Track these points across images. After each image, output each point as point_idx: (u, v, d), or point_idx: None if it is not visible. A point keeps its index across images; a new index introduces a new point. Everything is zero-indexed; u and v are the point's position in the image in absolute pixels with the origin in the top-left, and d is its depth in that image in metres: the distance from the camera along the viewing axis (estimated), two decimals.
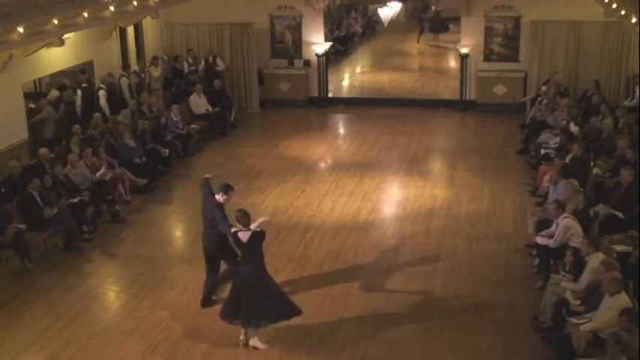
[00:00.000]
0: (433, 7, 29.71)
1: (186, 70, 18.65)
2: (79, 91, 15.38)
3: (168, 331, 9.01)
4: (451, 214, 12.45)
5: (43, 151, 12.47)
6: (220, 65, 18.80)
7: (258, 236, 8.38)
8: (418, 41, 28.97)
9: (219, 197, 9.16)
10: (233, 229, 8.56)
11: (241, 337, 8.57)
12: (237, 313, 8.45)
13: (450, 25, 27.63)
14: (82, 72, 16.11)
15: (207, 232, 9.29)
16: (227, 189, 9.18)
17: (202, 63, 18.84)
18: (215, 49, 19.07)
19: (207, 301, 9.49)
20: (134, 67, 17.75)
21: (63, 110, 14.92)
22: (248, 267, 8.43)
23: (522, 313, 9.23)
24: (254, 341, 8.55)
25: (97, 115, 14.71)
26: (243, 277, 8.48)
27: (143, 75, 17.69)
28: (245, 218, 8.40)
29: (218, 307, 9.16)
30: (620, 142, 12.12)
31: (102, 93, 15.50)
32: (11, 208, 11.04)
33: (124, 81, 16.78)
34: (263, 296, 8.40)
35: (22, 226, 10.75)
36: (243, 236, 8.35)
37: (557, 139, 13.70)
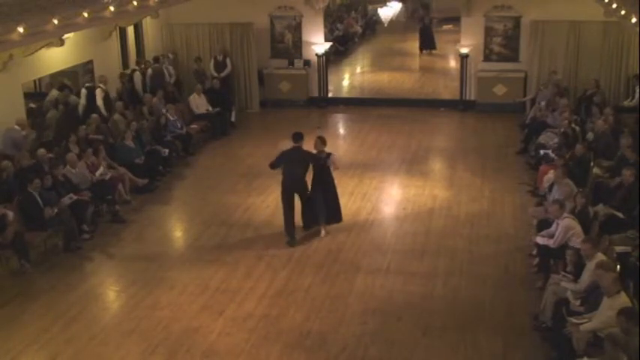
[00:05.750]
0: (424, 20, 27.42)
1: (167, 75, 18.20)
2: (83, 91, 15.36)
3: (168, 331, 9.00)
4: (451, 214, 12.45)
5: (41, 151, 12.45)
6: (227, 66, 18.74)
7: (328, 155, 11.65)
8: (421, 51, 27.21)
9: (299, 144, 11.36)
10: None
11: (322, 233, 11.63)
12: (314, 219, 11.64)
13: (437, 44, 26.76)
14: (89, 72, 16.10)
15: (293, 175, 11.37)
16: (298, 137, 11.42)
17: (212, 61, 18.80)
18: (222, 50, 18.96)
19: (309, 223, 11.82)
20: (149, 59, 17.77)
21: (63, 111, 14.91)
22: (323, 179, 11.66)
23: (522, 313, 9.22)
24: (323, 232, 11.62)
25: (95, 115, 14.69)
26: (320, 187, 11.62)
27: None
28: (321, 145, 11.59)
29: (218, 305, 9.35)
30: (622, 141, 12.11)
31: (98, 92, 15.44)
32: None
33: (137, 75, 16.73)
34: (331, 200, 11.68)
35: (10, 213, 10.64)
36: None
37: (557, 139, 13.69)
